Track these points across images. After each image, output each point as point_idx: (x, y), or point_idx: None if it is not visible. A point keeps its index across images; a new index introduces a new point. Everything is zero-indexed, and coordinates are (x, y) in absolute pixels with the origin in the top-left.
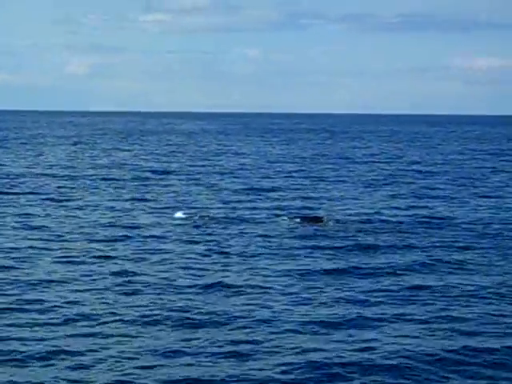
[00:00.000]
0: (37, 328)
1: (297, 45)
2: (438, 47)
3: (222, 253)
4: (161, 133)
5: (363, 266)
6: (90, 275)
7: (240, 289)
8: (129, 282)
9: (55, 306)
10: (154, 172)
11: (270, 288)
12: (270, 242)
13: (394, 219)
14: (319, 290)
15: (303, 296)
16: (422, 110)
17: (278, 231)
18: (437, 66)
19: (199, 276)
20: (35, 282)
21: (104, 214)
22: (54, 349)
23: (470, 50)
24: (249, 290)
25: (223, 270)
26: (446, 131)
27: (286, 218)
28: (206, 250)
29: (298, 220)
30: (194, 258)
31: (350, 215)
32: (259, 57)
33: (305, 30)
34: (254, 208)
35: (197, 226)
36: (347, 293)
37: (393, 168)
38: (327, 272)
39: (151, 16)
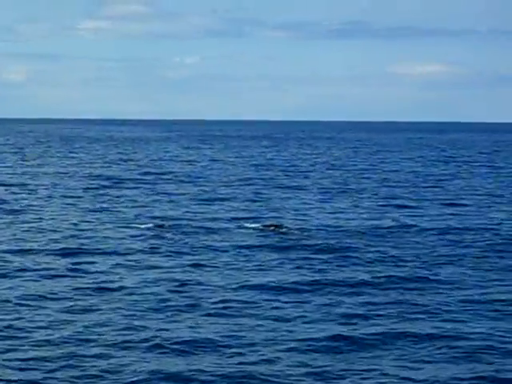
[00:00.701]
0: None
1: (236, 52)
2: (379, 54)
3: (195, 265)
4: (105, 140)
5: (340, 278)
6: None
7: (217, 305)
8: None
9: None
10: (107, 180)
11: (253, 303)
12: (239, 253)
13: (355, 227)
14: (293, 303)
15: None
16: (363, 117)
17: (244, 241)
18: (378, 73)
19: (173, 291)
20: None
21: (63, 226)
22: None
23: (411, 57)
24: (225, 306)
25: (199, 284)
26: (391, 138)
27: (249, 226)
28: (176, 263)
29: (262, 228)
30: (166, 272)
31: (311, 223)
32: (198, 64)
33: (244, 38)
34: (216, 218)
35: (163, 238)
36: (333, 308)
37: (348, 175)
38: (302, 284)
39: (91, 23)
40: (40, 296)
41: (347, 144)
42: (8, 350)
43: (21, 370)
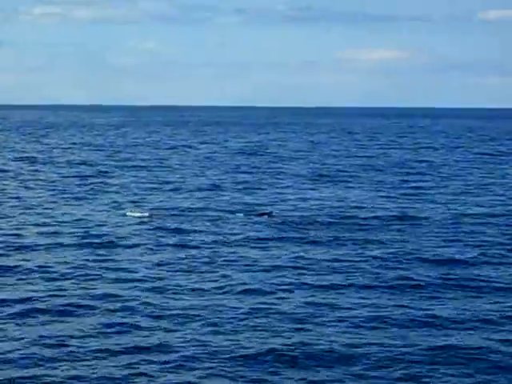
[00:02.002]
0: None
1: (189, 38)
2: (332, 40)
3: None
4: (67, 126)
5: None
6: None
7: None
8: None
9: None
10: (87, 166)
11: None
12: (236, 241)
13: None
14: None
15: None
16: (315, 102)
17: (238, 229)
18: (330, 59)
19: (175, 277)
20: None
21: (50, 214)
22: None
23: (364, 43)
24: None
25: (210, 271)
26: (350, 123)
27: (241, 214)
28: (175, 253)
29: (253, 216)
30: (167, 263)
31: (298, 210)
32: (152, 50)
33: (199, 23)
34: (205, 207)
35: (157, 227)
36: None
37: (329, 163)
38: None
39: (40, 8)
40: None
41: (315, 129)
42: None
43: None
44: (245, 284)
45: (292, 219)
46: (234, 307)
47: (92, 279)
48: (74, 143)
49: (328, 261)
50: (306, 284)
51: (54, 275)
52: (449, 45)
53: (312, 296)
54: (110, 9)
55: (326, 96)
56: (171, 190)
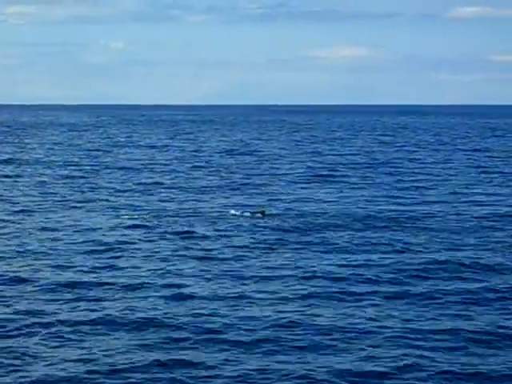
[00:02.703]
0: None
1: (161, 36)
2: (302, 38)
3: (201, 258)
4: (44, 126)
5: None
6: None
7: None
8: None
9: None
10: (74, 167)
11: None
12: (237, 241)
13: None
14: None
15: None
16: (286, 100)
17: (237, 229)
18: (299, 57)
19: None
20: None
21: (44, 219)
22: None
23: (334, 41)
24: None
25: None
26: (325, 121)
27: (235, 213)
28: (181, 255)
29: (248, 215)
30: (173, 270)
31: (290, 209)
32: (123, 48)
33: (171, 22)
34: (200, 208)
35: (155, 231)
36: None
37: (316, 162)
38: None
39: (14, 8)
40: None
41: (297, 127)
42: None
43: None
44: (259, 292)
45: (290, 220)
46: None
47: (103, 287)
48: (55, 143)
49: (338, 266)
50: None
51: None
52: (419, 42)
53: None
54: (84, 8)
55: (297, 94)
56: (163, 192)
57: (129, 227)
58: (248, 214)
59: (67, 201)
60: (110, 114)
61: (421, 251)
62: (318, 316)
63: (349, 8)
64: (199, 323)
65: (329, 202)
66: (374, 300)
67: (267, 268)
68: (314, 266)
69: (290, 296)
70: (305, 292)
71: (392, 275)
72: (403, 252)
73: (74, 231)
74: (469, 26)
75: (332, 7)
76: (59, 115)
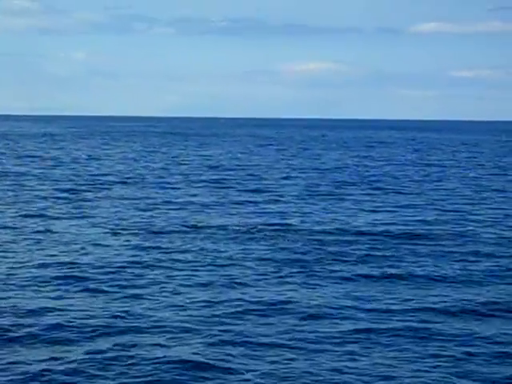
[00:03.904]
0: None
1: (124, 48)
2: (266, 52)
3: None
4: (9, 135)
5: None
6: None
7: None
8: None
9: None
10: (53, 182)
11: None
12: (236, 259)
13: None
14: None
15: None
16: (251, 113)
17: (233, 247)
18: (266, 71)
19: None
20: None
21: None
22: None
23: (297, 55)
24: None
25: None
26: (296, 135)
27: (231, 229)
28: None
29: (243, 232)
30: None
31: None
32: (85, 60)
33: (133, 34)
34: (193, 224)
35: (150, 247)
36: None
37: (303, 177)
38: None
39: None
40: None
41: (260, 141)
42: None
43: None
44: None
45: (288, 236)
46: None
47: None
48: (28, 156)
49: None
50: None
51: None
52: (381, 57)
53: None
54: (44, 18)
55: (261, 107)
56: (153, 207)
57: (123, 246)
58: (242, 229)
59: (53, 218)
60: (78, 125)
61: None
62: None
63: (313, 22)
64: None
65: (334, 218)
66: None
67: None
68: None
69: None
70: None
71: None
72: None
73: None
74: (430, 42)
75: (295, 22)
76: (25, 126)
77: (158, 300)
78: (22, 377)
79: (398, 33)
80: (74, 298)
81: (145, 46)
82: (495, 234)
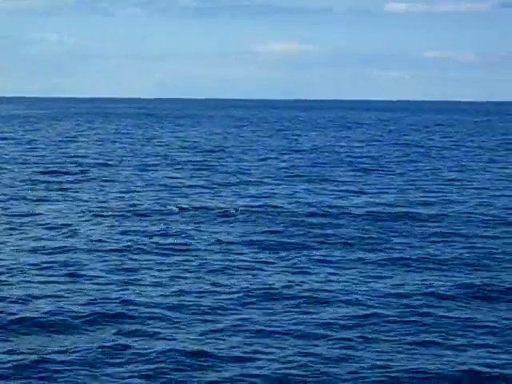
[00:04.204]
0: None
1: (95, 29)
2: (239, 32)
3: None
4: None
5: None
6: None
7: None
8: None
9: None
10: (30, 165)
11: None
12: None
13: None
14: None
15: None
16: (224, 94)
17: (215, 229)
18: (239, 52)
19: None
20: None
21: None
22: None
23: (270, 35)
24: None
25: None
26: (271, 116)
27: (213, 212)
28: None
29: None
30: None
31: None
32: (57, 41)
33: (104, 14)
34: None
35: (130, 230)
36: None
37: (286, 159)
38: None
39: None
40: None
41: (231, 122)
42: None
43: None
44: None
45: (269, 217)
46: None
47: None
48: (2, 138)
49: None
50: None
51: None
52: (353, 38)
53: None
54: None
55: (234, 88)
56: (134, 190)
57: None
58: (221, 209)
59: (31, 200)
60: (53, 106)
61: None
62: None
63: (284, 3)
64: None
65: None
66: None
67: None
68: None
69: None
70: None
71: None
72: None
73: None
74: (402, 22)
75: (268, 2)
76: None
77: (146, 286)
78: (12, 365)
79: (370, 13)
80: (62, 283)
81: (117, 26)
82: (480, 214)
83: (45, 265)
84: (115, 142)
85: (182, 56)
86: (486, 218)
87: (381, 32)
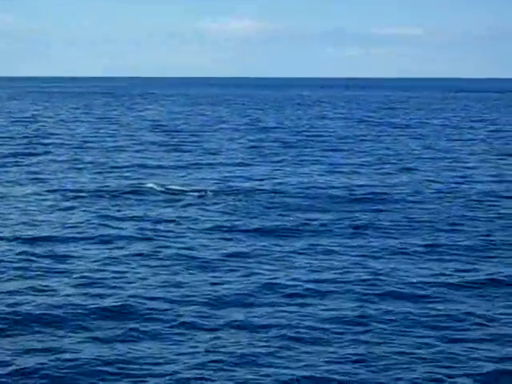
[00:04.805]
0: None
1: (47, 11)
2: (189, 11)
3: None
4: None
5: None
6: None
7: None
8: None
9: None
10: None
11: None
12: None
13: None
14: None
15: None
16: (178, 72)
17: (189, 212)
18: (191, 30)
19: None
20: None
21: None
22: None
23: (222, 12)
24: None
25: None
26: (223, 94)
27: (168, 189)
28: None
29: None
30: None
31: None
32: (12, 22)
33: None
34: (137, 187)
35: (93, 212)
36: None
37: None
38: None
39: None
40: None
41: (202, 100)
42: None
43: None
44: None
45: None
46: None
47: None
48: None
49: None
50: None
51: None
52: (307, 16)
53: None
54: None
55: (187, 67)
56: (104, 171)
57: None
58: (194, 192)
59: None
60: (9, 86)
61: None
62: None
63: None
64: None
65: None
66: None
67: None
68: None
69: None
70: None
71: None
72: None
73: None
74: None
75: None
76: None
77: (127, 277)
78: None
79: None
80: (44, 277)
81: (61, 8)
82: (456, 196)
83: (24, 256)
84: (75, 121)
85: (135, 36)
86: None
87: (334, 8)
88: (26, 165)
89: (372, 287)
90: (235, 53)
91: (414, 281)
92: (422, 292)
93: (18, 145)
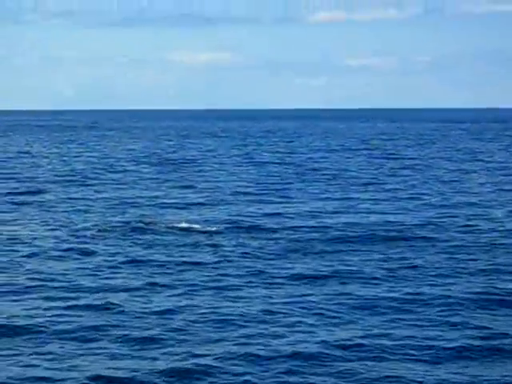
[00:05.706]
0: None
1: (15, 39)
2: (157, 42)
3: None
4: None
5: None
6: None
7: None
8: None
9: None
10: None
11: None
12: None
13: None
14: None
15: None
16: (140, 104)
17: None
18: (154, 60)
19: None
20: None
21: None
22: None
23: (191, 44)
24: None
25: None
26: (197, 127)
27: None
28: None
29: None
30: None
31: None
32: None
33: (23, 25)
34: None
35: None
36: None
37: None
38: None
39: None
40: None
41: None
42: None
43: None
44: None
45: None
46: None
47: None
48: None
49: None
50: None
51: None
52: (279, 47)
53: None
54: None
55: (150, 97)
56: (109, 206)
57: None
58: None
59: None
60: None
61: None
62: None
63: (208, 12)
64: None
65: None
66: None
67: None
68: None
69: None
70: None
71: None
72: None
73: None
74: (328, 31)
75: (193, 12)
76: None
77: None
78: None
79: (297, 22)
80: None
81: (37, 36)
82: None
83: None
84: (59, 157)
85: (103, 64)
86: None
87: (305, 40)
88: (25, 204)
89: None
90: (205, 85)
91: None
92: None
93: (11, 186)
